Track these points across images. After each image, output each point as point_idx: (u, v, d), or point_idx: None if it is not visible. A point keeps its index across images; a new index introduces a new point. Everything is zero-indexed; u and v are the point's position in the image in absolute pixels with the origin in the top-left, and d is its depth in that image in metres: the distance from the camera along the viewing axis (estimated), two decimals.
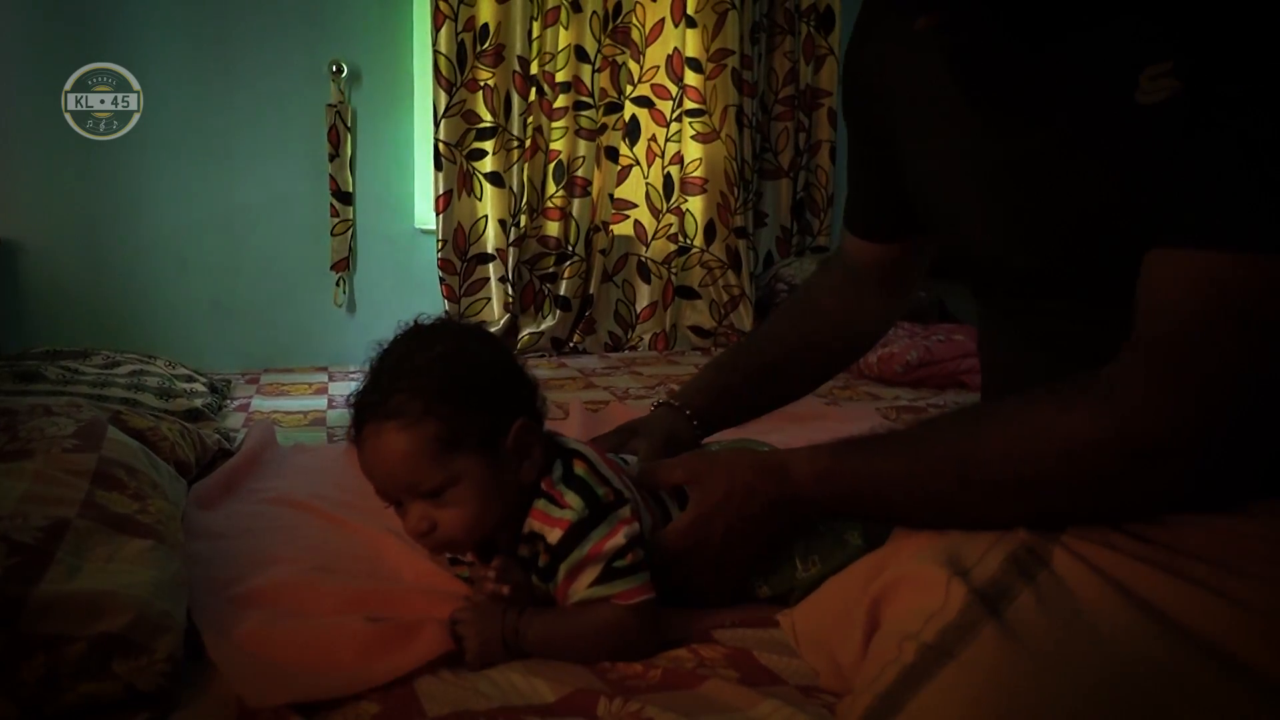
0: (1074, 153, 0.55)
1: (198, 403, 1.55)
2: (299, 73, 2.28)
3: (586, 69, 2.40)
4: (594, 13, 2.38)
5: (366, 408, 0.71)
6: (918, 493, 0.61)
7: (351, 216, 2.36)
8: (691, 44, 2.49)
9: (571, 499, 0.71)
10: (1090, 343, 0.55)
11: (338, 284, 2.37)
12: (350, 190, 2.34)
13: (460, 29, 2.27)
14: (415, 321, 0.75)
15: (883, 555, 0.64)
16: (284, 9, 2.26)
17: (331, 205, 2.32)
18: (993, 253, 0.64)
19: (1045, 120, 0.56)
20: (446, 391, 0.70)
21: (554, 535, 0.70)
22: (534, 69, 2.36)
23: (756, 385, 0.92)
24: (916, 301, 2.41)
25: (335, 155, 2.29)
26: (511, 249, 2.40)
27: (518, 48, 2.33)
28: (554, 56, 2.37)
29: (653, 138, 2.57)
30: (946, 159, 0.66)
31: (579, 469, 0.73)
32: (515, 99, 2.35)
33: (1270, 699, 0.46)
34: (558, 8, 2.34)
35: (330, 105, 2.28)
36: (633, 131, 2.54)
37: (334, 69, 2.27)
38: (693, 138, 2.54)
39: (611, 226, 2.55)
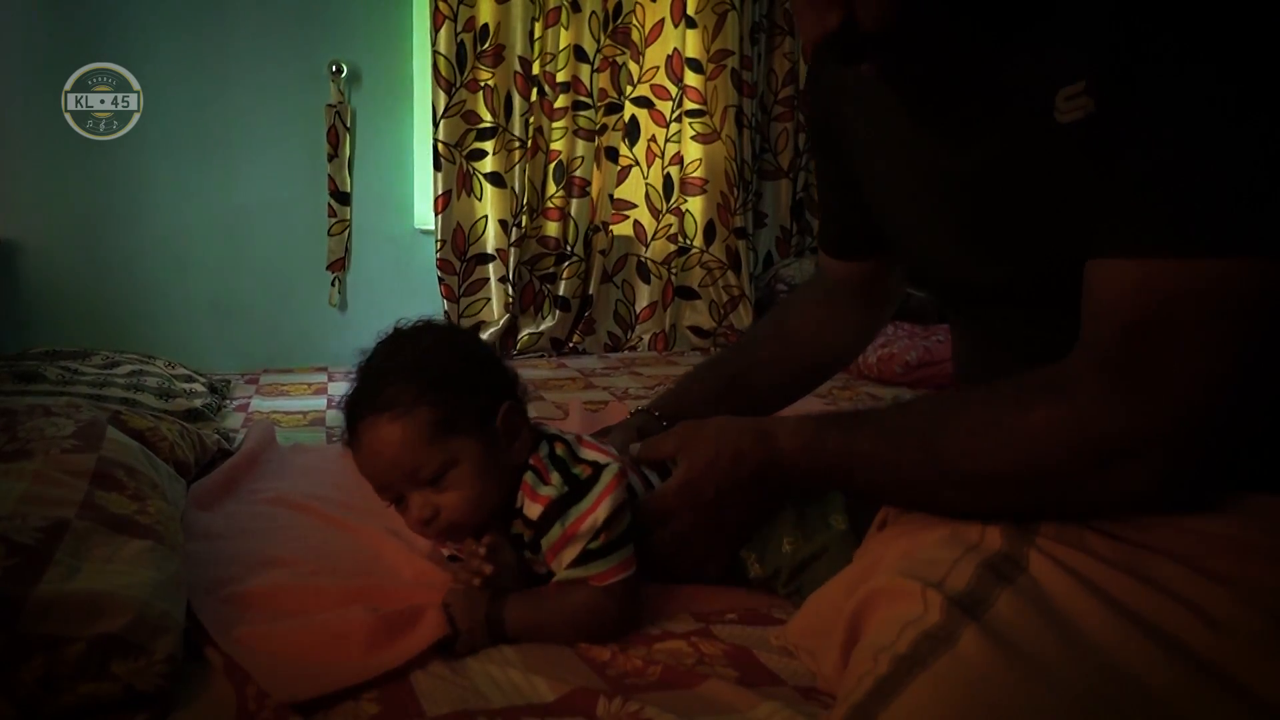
0: (1009, 171, 0.58)
1: (197, 403, 1.55)
2: (298, 73, 2.28)
3: (586, 69, 2.40)
4: (593, 13, 2.38)
5: (359, 406, 0.73)
6: (892, 476, 0.63)
7: (349, 217, 2.36)
8: (691, 44, 2.49)
9: (554, 476, 0.73)
10: (1053, 346, 0.56)
11: (333, 284, 2.37)
12: (349, 190, 2.34)
13: (460, 29, 2.27)
14: (396, 325, 0.78)
15: (861, 567, 0.65)
16: (283, 9, 2.26)
17: (329, 205, 2.32)
18: (949, 264, 0.66)
19: (981, 141, 0.59)
20: (436, 379, 0.72)
21: (535, 511, 0.73)
22: (535, 69, 2.36)
23: (726, 396, 0.95)
24: (916, 302, 2.40)
25: (334, 155, 2.29)
26: (512, 249, 2.41)
27: (518, 48, 2.33)
28: (554, 57, 2.37)
29: (652, 138, 2.57)
30: (900, 177, 0.68)
31: (558, 450, 0.76)
32: (516, 99, 2.35)
33: (1258, 714, 0.46)
34: (558, 8, 2.34)
35: (330, 105, 2.28)
36: (632, 132, 2.55)
37: (333, 69, 2.27)
38: (692, 138, 2.54)
39: (611, 227, 2.55)
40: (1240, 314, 0.48)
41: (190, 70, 2.22)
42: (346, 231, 2.36)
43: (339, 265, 2.36)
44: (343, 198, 2.33)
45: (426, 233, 2.44)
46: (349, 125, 2.31)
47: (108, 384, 1.49)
